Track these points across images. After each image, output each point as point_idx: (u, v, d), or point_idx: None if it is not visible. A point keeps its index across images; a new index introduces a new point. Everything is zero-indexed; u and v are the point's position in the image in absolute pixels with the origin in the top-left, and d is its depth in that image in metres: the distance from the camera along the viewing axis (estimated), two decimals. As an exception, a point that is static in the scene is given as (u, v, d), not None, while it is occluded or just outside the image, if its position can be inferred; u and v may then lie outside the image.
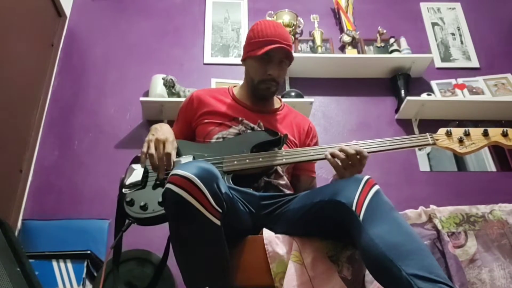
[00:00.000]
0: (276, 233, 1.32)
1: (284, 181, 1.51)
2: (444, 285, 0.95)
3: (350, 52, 2.74)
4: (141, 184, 1.30)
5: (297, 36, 2.83)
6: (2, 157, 2.09)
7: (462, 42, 2.94)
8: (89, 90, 2.61)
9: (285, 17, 2.77)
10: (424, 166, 2.52)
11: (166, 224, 1.14)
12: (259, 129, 1.54)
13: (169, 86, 2.39)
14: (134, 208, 1.22)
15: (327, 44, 2.84)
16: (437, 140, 1.34)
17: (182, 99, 2.07)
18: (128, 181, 1.31)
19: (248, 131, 1.53)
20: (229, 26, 2.90)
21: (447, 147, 1.33)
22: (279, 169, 1.50)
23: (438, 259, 1.37)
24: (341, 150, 1.29)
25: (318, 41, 2.77)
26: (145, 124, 2.51)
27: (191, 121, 1.62)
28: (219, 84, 2.60)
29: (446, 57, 2.88)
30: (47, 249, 1.94)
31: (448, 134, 1.34)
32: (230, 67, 2.71)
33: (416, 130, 2.60)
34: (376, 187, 1.16)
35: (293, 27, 2.77)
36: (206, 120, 1.57)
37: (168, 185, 1.06)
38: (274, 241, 1.29)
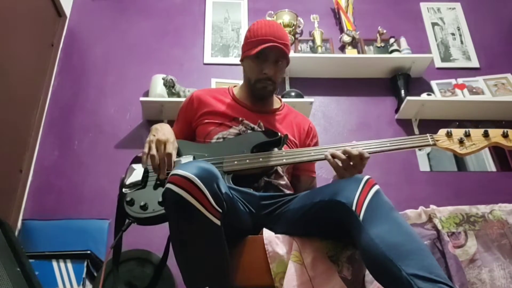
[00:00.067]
0: (276, 233, 1.32)
1: (284, 181, 1.51)
2: (444, 285, 0.95)
3: (350, 52, 2.74)
4: (141, 184, 1.30)
5: (297, 36, 2.83)
6: (2, 157, 2.09)
7: (462, 42, 2.94)
8: (89, 90, 2.61)
9: (285, 17, 2.77)
10: (424, 166, 2.52)
11: (166, 224, 1.14)
12: (259, 129, 1.54)
13: (169, 86, 2.39)
14: (134, 207, 1.22)
15: (327, 44, 2.84)
16: (437, 141, 1.34)
17: (182, 99, 2.07)
18: (128, 181, 1.32)
19: (248, 131, 1.53)
20: (229, 26, 2.90)
21: (447, 148, 1.33)
22: (279, 169, 1.50)
23: (438, 259, 1.37)
24: (344, 152, 1.29)
25: (318, 41, 2.77)
26: (145, 124, 2.51)
27: (191, 121, 1.62)
28: (219, 84, 2.60)
29: (446, 57, 2.88)
30: (47, 249, 1.94)
31: (449, 135, 1.34)
32: (230, 67, 2.71)
33: (416, 130, 2.60)
34: (376, 187, 1.16)
35: (293, 27, 2.77)
36: (206, 120, 1.58)
37: (168, 185, 1.06)
38: (274, 241, 1.29)
